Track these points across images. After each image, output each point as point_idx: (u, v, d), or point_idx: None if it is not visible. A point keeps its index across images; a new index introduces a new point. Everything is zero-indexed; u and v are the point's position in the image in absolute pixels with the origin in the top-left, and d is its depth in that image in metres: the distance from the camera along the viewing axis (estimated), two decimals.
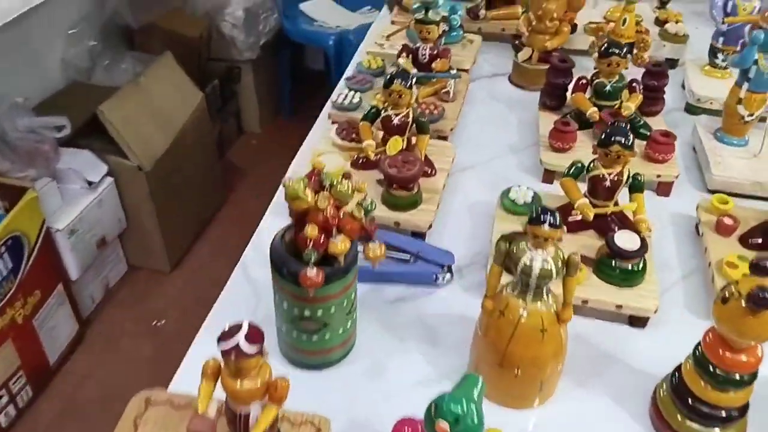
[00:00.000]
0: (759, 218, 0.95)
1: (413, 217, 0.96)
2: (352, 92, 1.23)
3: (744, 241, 0.93)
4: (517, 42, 1.37)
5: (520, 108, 1.32)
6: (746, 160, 1.09)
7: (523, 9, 1.53)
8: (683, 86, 1.34)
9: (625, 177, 0.89)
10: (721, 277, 0.87)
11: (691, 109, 1.28)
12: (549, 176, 1.10)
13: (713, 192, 1.08)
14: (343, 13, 2.94)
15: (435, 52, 1.25)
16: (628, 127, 0.87)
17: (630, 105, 1.09)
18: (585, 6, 1.40)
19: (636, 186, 0.89)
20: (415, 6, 1.41)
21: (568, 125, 1.08)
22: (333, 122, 1.21)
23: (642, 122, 1.13)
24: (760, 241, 0.91)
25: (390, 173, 0.94)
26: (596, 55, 1.11)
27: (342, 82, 1.31)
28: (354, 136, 1.09)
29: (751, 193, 1.06)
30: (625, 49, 1.09)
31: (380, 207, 0.96)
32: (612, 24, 1.39)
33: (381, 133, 1.05)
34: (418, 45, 1.26)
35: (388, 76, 0.99)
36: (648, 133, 1.12)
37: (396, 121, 1.01)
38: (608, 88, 1.12)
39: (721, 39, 1.27)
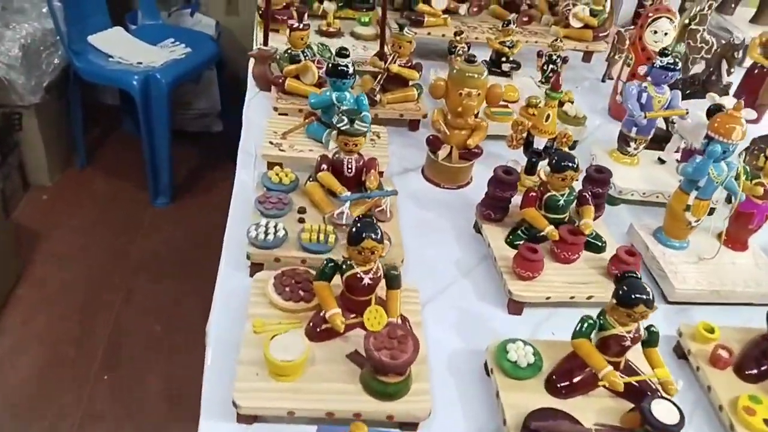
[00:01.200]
0: (740, 339, 0.93)
1: (410, 405, 0.78)
2: (271, 221, 1.01)
3: (739, 371, 0.89)
4: (431, 137, 1.25)
5: (446, 211, 1.20)
6: (695, 265, 1.07)
7: (417, 90, 1.43)
8: None
9: (642, 332, 0.80)
10: (740, 426, 0.82)
11: (612, 201, 1.26)
12: (517, 307, 0.99)
13: (671, 303, 1.05)
14: (142, 47, 2.54)
15: (361, 163, 1.08)
16: None
17: (589, 221, 1.03)
18: None
19: (652, 340, 0.81)
20: (311, 102, 1.22)
21: (535, 252, 0.98)
22: (252, 263, 0.99)
23: (594, 234, 1.07)
24: (755, 372, 0.89)
25: (383, 361, 0.75)
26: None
27: (251, 205, 1.07)
28: (302, 293, 0.88)
29: (709, 301, 1.05)
30: (577, 161, 1.02)
31: (362, 397, 0.78)
32: (525, 110, 1.34)
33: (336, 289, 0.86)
34: (337, 154, 1.08)
35: (354, 230, 0.80)
36: (600, 245, 1.07)
37: (367, 280, 0.83)
38: (561, 202, 1.04)
39: (634, 129, 1.26)
